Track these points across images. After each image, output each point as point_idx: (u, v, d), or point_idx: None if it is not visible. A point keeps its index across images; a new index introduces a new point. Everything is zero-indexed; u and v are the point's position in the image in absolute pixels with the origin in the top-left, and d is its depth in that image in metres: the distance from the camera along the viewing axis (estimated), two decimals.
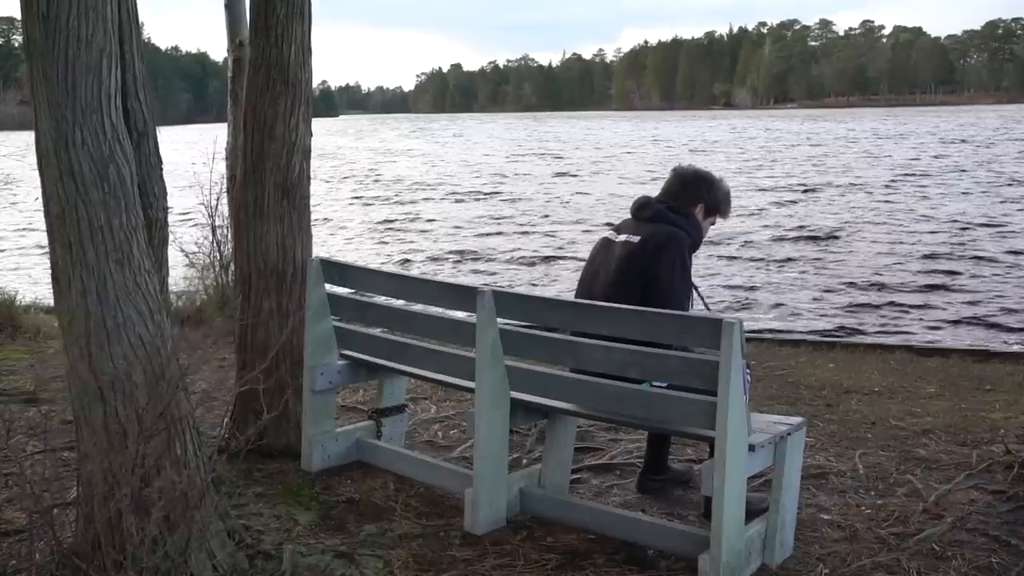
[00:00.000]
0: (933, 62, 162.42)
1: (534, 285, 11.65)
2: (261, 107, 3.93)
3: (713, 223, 3.70)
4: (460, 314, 3.61)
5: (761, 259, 12.89)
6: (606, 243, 3.61)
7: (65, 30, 2.53)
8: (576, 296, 3.62)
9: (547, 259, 13.66)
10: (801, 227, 15.79)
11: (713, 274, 11.59)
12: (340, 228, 17.47)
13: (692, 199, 3.61)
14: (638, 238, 3.48)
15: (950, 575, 3.05)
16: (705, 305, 3.70)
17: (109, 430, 2.65)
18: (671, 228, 3.48)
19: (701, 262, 11.48)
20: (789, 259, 12.89)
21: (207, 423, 4.23)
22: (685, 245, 3.48)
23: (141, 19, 2.84)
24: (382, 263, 13.32)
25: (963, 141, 40.38)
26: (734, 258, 12.96)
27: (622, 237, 3.53)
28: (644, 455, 3.94)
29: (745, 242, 14.22)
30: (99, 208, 2.60)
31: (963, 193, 20.05)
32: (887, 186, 22.09)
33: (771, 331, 8.49)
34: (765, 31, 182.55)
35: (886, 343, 7.43)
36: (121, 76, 2.67)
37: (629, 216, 3.64)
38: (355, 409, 4.85)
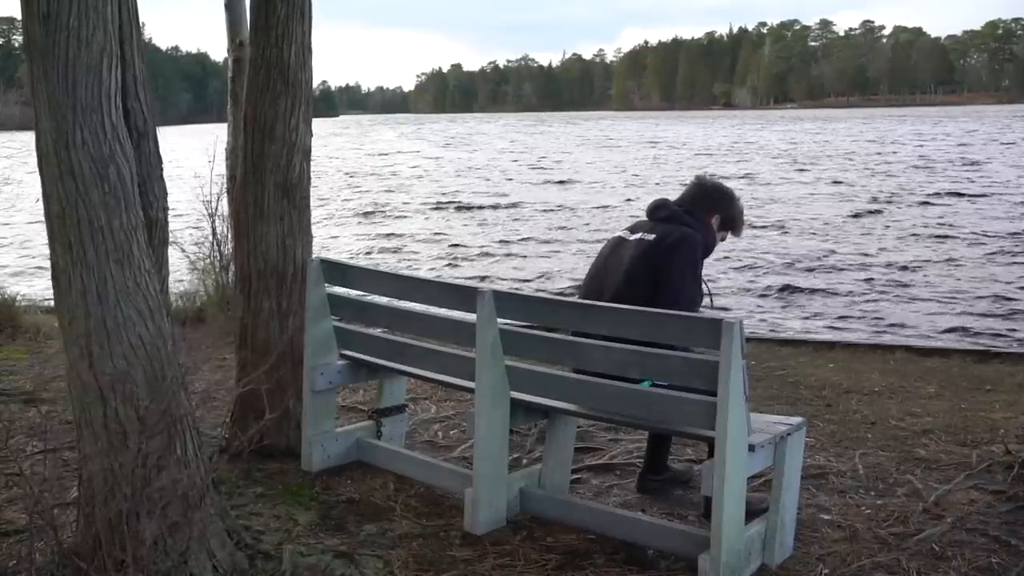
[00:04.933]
0: (933, 62, 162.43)
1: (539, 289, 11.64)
2: (261, 107, 3.93)
3: (724, 238, 3.74)
4: (460, 314, 3.61)
5: (766, 260, 12.90)
6: (619, 241, 3.62)
7: (65, 30, 2.53)
8: (583, 293, 3.63)
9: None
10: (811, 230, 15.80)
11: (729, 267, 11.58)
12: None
13: (709, 208, 3.65)
14: (653, 236, 3.50)
15: (950, 575, 3.05)
16: (711, 302, 3.73)
17: (109, 430, 2.65)
18: (685, 229, 3.51)
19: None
20: (797, 257, 12.90)
21: (207, 423, 4.23)
22: (698, 247, 3.50)
23: (141, 19, 2.84)
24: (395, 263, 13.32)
25: None
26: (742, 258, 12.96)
27: (636, 235, 3.56)
28: (644, 455, 3.94)
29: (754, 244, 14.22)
30: (99, 208, 2.60)
31: None
32: None
33: (771, 331, 8.50)
34: (765, 31, 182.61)
35: (886, 343, 7.42)
36: (121, 76, 2.67)
37: (644, 217, 3.68)
38: (355, 409, 4.85)
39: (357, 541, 3.30)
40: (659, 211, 3.62)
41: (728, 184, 3.93)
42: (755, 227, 15.77)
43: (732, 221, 3.73)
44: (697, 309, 3.49)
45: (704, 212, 3.63)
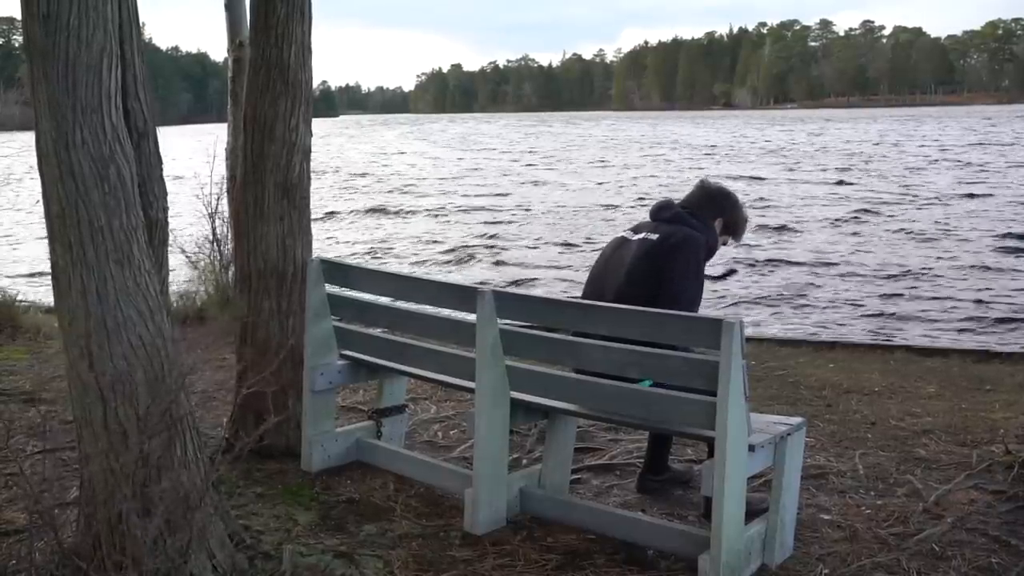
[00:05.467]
0: (933, 62, 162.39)
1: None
2: (261, 107, 3.93)
3: (726, 243, 3.74)
4: (460, 314, 3.61)
5: (765, 259, 12.89)
6: (621, 241, 3.63)
7: (65, 30, 2.53)
8: (585, 292, 3.63)
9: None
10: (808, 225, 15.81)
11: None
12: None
13: (713, 212, 3.65)
14: (656, 236, 3.51)
15: (950, 575, 3.05)
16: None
17: (109, 430, 2.65)
18: (689, 230, 3.51)
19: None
20: (793, 259, 12.90)
21: (207, 423, 4.24)
22: (701, 248, 3.51)
23: (141, 19, 2.84)
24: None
25: None
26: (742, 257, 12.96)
27: (640, 235, 3.56)
28: (644, 455, 3.94)
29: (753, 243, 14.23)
30: (99, 208, 2.60)
31: None
32: None
33: (771, 331, 8.49)
34: (765, 31, 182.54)
35: (886, 343, 7.43)
36: (121, 76, 2.67)
37: (647, 218, 3.68)
38: (355, 409, 4.85)
39: (357, 541, 3.30)
40: (663, 211, 3.62)
41: (733, 185, 3.93)
42: (758, 227, 15.78)
43: (735, 226, 3.74)
44: (697, 309, 3.49)
45: (708, 215, 3.64)
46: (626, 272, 3.49)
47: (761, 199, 19.78)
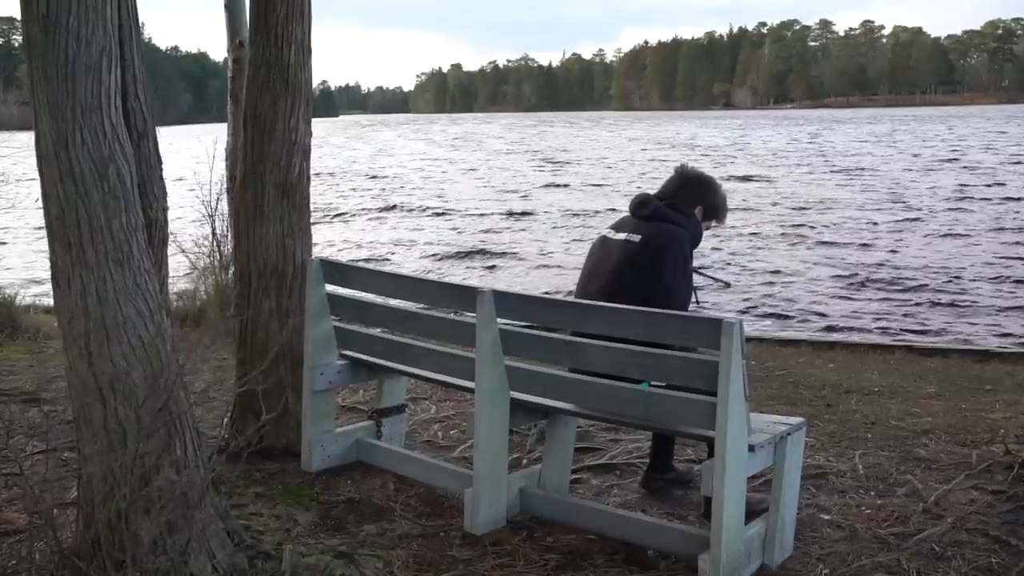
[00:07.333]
0: (933, 62, 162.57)
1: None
2: (261, 107, 3.93)
3: (709, 227, 3.71)
4: (460, 314, 3.61)
5: (763, 255, 12.89)
6: (604, 241, 3.60)
7: (65, 30, 2.53)
8: (576, 295, 3.62)
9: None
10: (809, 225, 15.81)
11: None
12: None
13: (692, 200, 3.61)
14: (639, 237, 3.47)
15: (950, 575, 3.05)
16: (696, 301, 3.71)
17: (109, 430, 2.65)
18: (672, 227, 3.48)
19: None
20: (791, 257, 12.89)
21: (206, 423, 4.23)
22: (686, 244, 3.48)
23: (141, 19, 2.84)
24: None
25: None
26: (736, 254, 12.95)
27: (621, 236, 3.53)
28: (649, 453, 3.93)
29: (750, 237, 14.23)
30: (99, 208, 2.60)
31: None
32: None
33: (771, 331, 8.49)
34: (765, 31, 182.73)
35: (886, 343, 7.43)
36: (121, 76, 2.67)
37: (627, 214, 3.64)
38: (355, 409, 4.85)
39: (357, 541, 3.30)
40: (642, 208, 3.58)
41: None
42: (760, 227, 15.79)
43: (715, 210, 3.69)
44: (688, 306, 3.48)
45: (688, 205, 3.59)
46: (612, 274, 3.47)
47: (764, 200, 19.80)
